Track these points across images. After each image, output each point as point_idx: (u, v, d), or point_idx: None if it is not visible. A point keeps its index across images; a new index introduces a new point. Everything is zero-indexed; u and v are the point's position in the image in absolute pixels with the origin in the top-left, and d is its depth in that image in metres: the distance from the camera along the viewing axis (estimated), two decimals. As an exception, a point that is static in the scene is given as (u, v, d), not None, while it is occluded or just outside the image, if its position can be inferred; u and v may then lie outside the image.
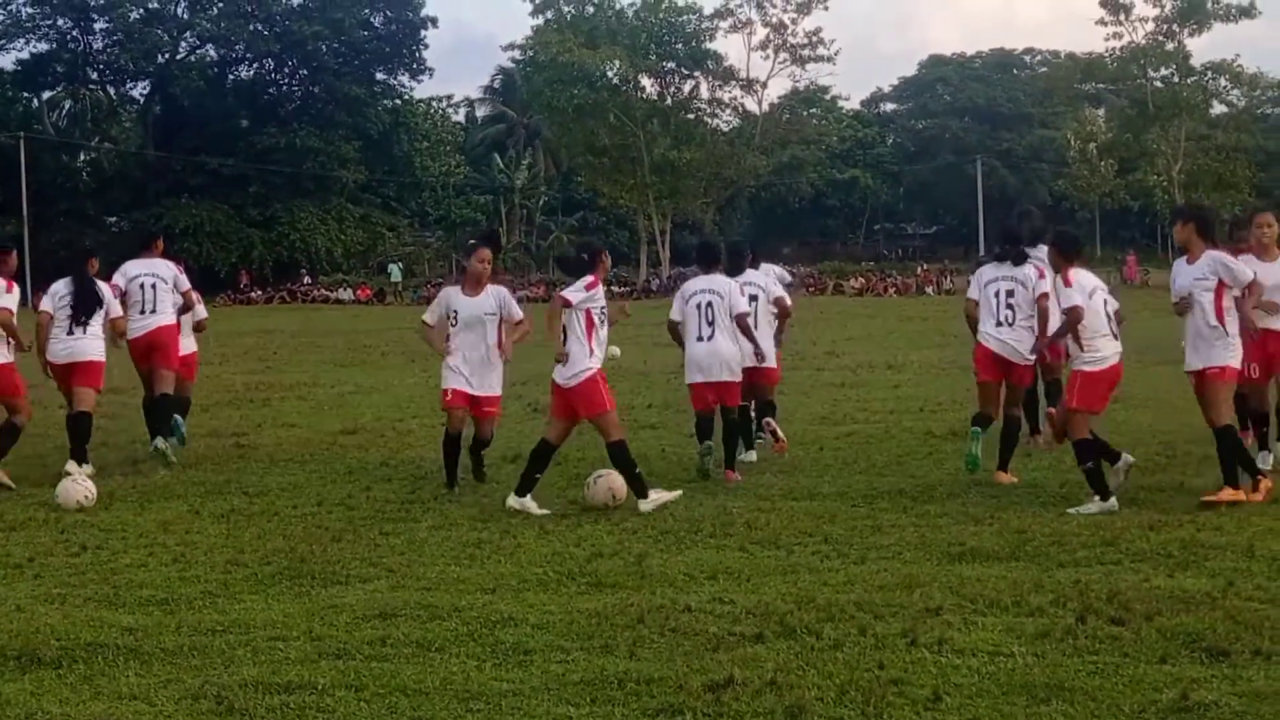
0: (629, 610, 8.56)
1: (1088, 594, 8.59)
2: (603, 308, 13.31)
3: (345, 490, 13.69)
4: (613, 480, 12.35)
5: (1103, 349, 12.14)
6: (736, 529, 11.13)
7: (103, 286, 15.55)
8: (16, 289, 14.63)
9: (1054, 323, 13.12)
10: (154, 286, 16.16)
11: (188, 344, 17.26)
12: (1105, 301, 12.29)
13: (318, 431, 18.56)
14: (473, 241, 15.17)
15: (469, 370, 13.76)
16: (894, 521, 11.30)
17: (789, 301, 15.86)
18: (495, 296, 14.03)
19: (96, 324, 15.27)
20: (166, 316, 16.16)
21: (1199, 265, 12.24)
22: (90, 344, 15.15)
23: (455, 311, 13.73)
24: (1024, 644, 7.65)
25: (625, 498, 12.25)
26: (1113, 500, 11.65)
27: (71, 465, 14.28)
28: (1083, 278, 12.34)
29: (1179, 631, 7.76)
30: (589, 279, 13.15)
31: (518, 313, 14.31)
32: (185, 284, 16.54)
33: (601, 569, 9.83)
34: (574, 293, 13.01)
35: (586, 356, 12.97)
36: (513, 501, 12.17)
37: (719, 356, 13.97)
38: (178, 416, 16.61)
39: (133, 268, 16.29)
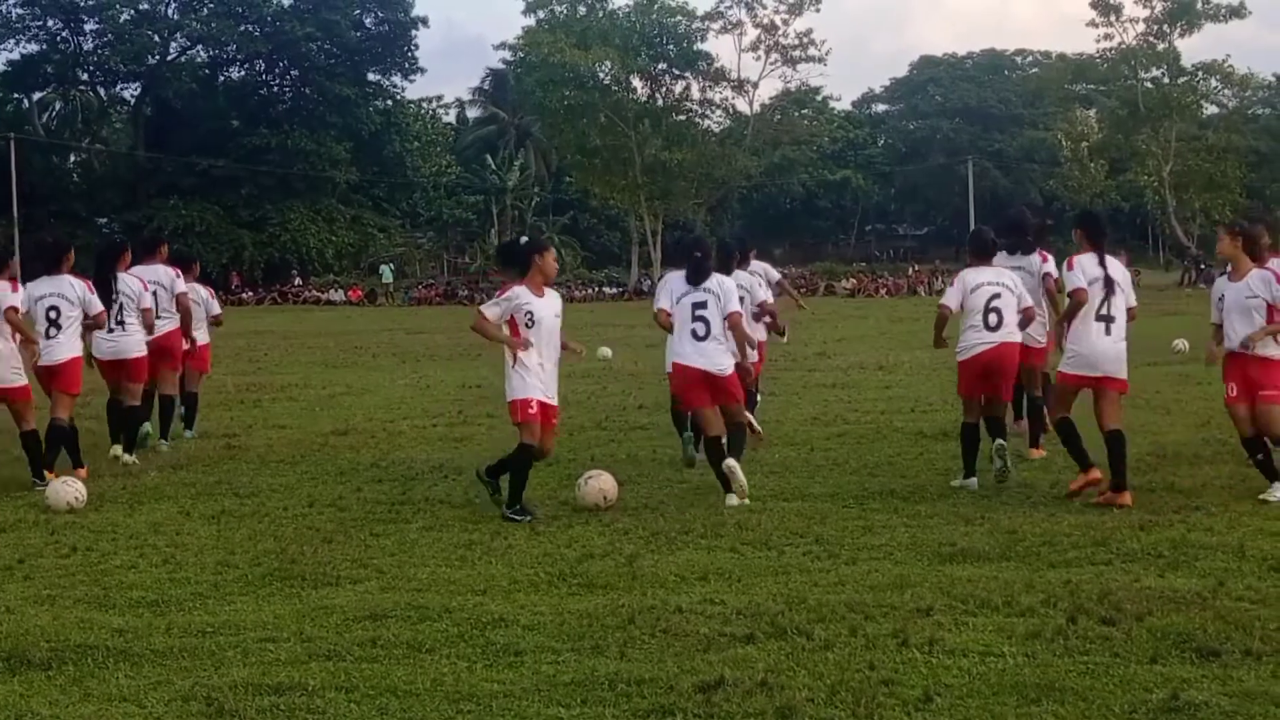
0: (620, 611, 8.56)
1: (1078, 594, 8.61)
2: (530, 314, 12.41)
3: (336, 491, 13.67)
4: (603, 481, 12.35)
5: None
6: (728, 530, 11.11)
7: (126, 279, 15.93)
8: (21, 289, 14.63)
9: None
10: (154, 295, 16.35)
11: (201, 335, 18.17)
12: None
13: (309, 433, 18.54)
14: (546, 236, 14.84)
15: (545, 379, 12.63)
16: (885, 522, 11.32)
17: (771, 301, 15.88)
18: (558, 299, 13.25)
19: (132, 319, 15.75)
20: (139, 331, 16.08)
21: (1247, 283, 12.17)
22: (130, 340, 15.71)
23: (531, 313, 12.46)
24: (1015, 644, 7.66)
25: (617, 499, 12.26)
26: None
27: (117, 449, 15.44)
28: (1086, 264, 12.24)
29: (1169, 631, 7.78)
30: (504, 285, 12.84)
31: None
32: (148, 301, 16.15)
33: (592, 570, 9.83)
34: (489, 307, 12.68)
35: (510, 377, 12.48)
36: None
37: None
38: (146, 425, 16.65)
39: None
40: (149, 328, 16.04)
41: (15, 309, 14.16)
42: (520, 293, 12.40)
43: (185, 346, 17.45)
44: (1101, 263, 12.36)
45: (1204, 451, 14.34)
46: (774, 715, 6.64)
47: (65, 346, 14.84)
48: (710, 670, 7.26)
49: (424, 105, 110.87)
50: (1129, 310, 12.52)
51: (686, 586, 9.28)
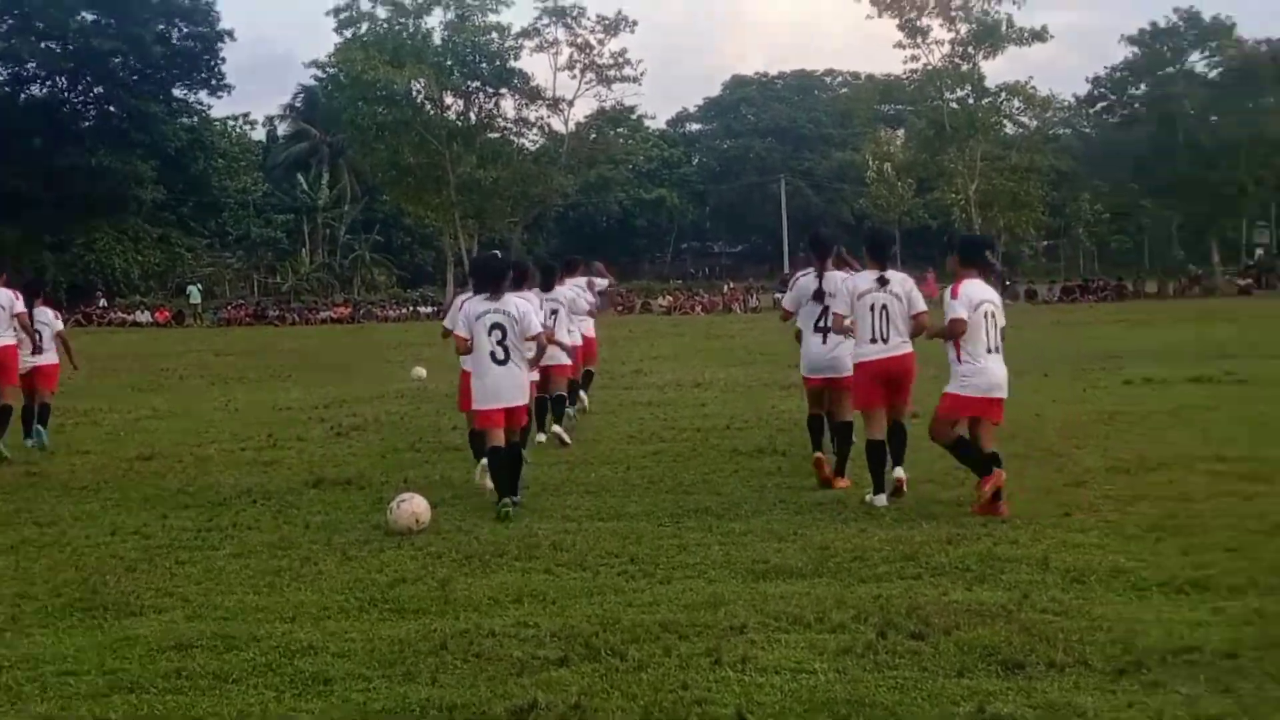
0: (432, 636, 8.49)
1: (888, 609, 8.71)
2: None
3: (141, 519, 13.26)
4: (416, 505, 12.21)
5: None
6: (542, 551, 11.04)
7: None
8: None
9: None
10: None
11: (50, 356, 19.53)
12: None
13: (113, 458, 18.06)
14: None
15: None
16: (700, 540, 11.30)
17: (590, 308, 16.40)
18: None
19: None
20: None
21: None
22: None
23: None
24: (826, 660, 7.74)
25: (430, 522, 12.14)
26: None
27: None
28: (971, 289, 12.59)
29: (976, 645, 7.91)
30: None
31: None
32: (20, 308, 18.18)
33: (404, 595, 9.72)
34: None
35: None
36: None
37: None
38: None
39: None
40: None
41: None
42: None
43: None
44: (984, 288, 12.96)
45: (1010, 465, 14.59)
46: (587, 738, 6.65)
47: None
48: (523, 694, 7.23)
49: (230, 123, 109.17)
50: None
51: (500, 610, 9.20)
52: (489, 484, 13.58)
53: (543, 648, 8.15)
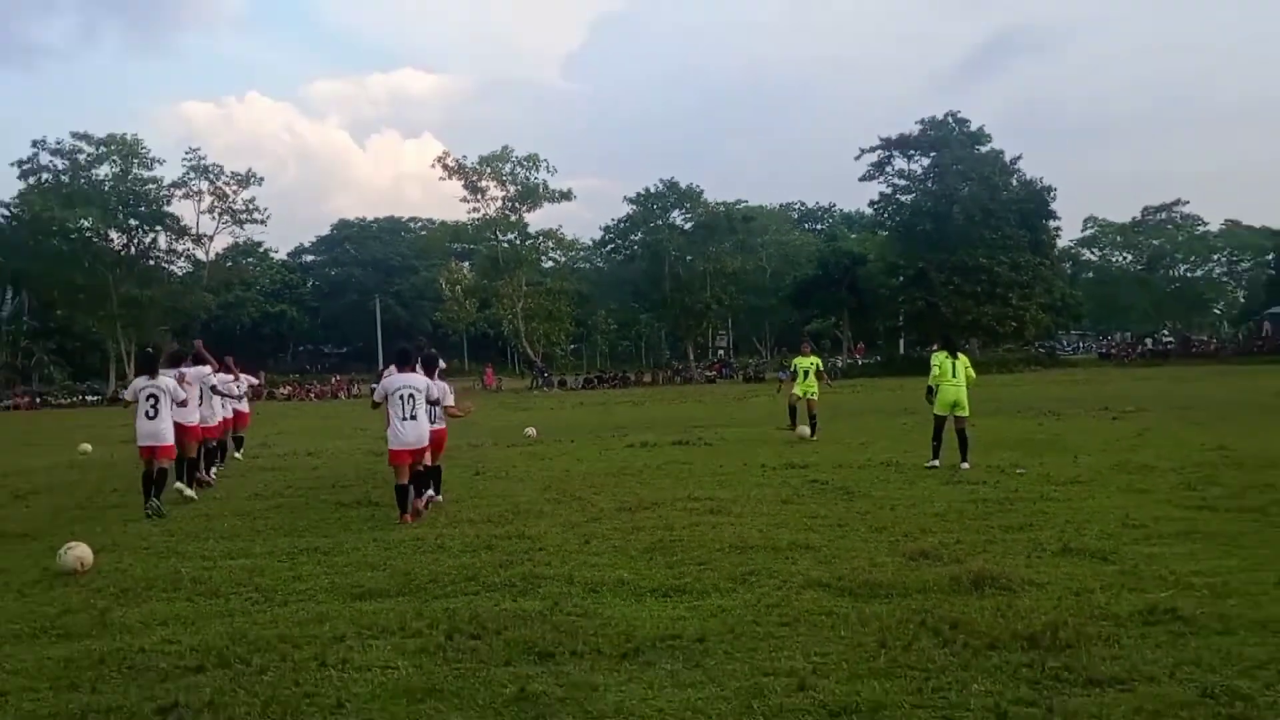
0: (92, 654, 8.05)
1: (455, 617, 8.68)
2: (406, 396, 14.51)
3: None
4: (81, 551, 11.49)
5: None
6: (184, 584, 10.53)
7: None
8: None
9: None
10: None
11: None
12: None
13: None
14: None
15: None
16: (310, 571, 10.99)
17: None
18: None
19: None
20: None
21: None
22: None
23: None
24: (407, 659, 7.67)
25: (93, 565, 11.41)
26: None
27: None
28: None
29: (519, 641, 7.98)
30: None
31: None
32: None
33: (70, 622, 9.13)
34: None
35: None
36: None
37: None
38: None
39: None
40: None
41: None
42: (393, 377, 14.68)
43: None
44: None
45: (546, 507, 14.74)
46: (218, 728, 6.39)
47: None
48: (167, 696, 6.97)
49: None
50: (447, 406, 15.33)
51: (149, 631, 8.75)
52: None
53: (184, 659, 7.85)
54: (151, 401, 15.81)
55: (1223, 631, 7.72)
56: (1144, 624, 7.95)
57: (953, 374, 18.39)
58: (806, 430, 24.24)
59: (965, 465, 17.60)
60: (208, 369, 19.87)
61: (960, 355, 18.77)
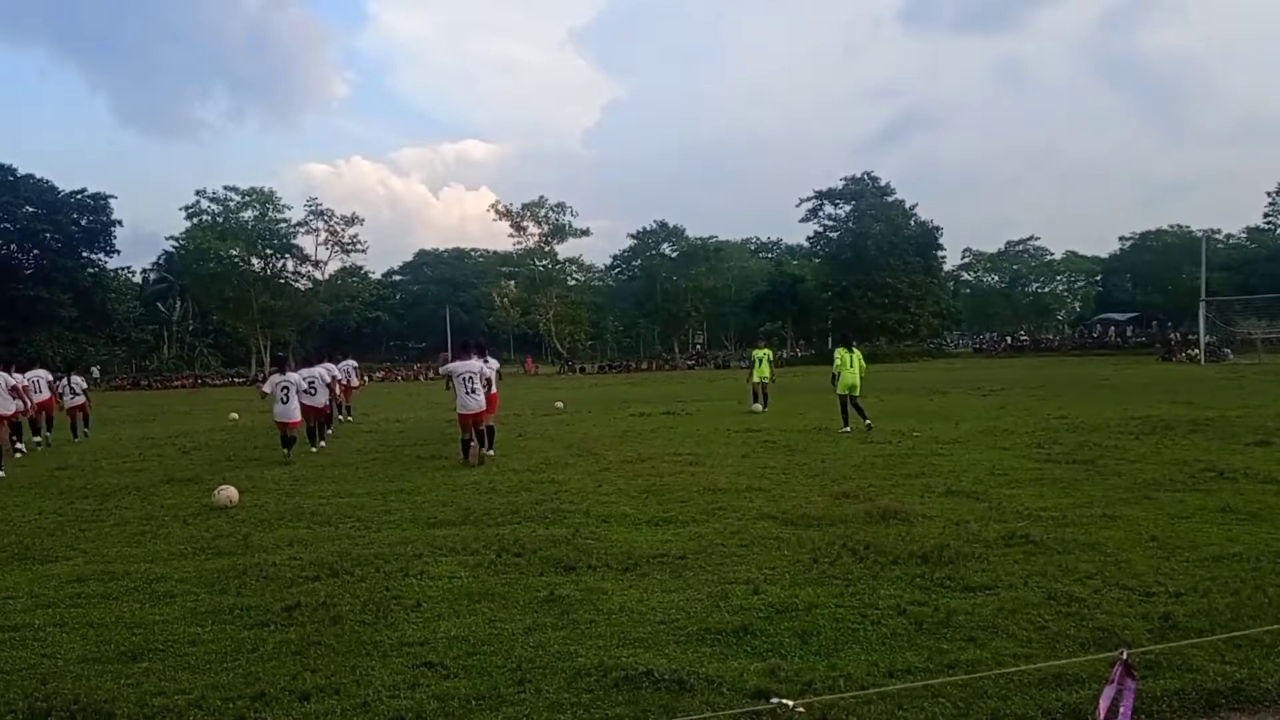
0: (237, 567, 8.04)
1: (503, 540, 8.66)
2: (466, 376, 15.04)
3: (56, 504, 12.00)
4: (230, 491, 11.51)
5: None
6: (305, 516, 10.50)
7: None
8: None
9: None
10: None
11: None
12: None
13: (40, 469, 16.29)
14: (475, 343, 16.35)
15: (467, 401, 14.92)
16: (397, 506, 10.89)
17: (498, 376, 16.92)
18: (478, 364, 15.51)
19: None
20: None
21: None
22: None
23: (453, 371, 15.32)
24: (468, 571, 7.65)
25: (238, 501, 11.38)
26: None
27: None
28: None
29: (549, 558, 7.95)
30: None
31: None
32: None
33: (221, 544, 9.12)
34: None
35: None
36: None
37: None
38: None
39: None
40: None
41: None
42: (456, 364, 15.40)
43: None
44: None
45: (567, 459, 14.64)
46: (329, 622, 6.37)
47: None
48: (292, 598, 6.94)
49: (120, 272, 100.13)
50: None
51: (279, 551, 8.73)
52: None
53: (305, 571, 7.82)
54: (284, 391, 16.60)
55: (1063, 551, 7.71)
56: (1005, 546, 7.94)
57: (850, 365, 18.44)
58: (759, 406, 24.20)
59: (868, 423, 17.69)
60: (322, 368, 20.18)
61: (854, 350, 18.76)
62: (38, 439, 20.74)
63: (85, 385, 23.47)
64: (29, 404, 19.15)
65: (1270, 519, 8.71)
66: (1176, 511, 9.18)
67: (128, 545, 9.29)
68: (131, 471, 15.53)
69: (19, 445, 19.22)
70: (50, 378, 22.45)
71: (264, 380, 18.43)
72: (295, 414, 16.71)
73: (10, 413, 17.84)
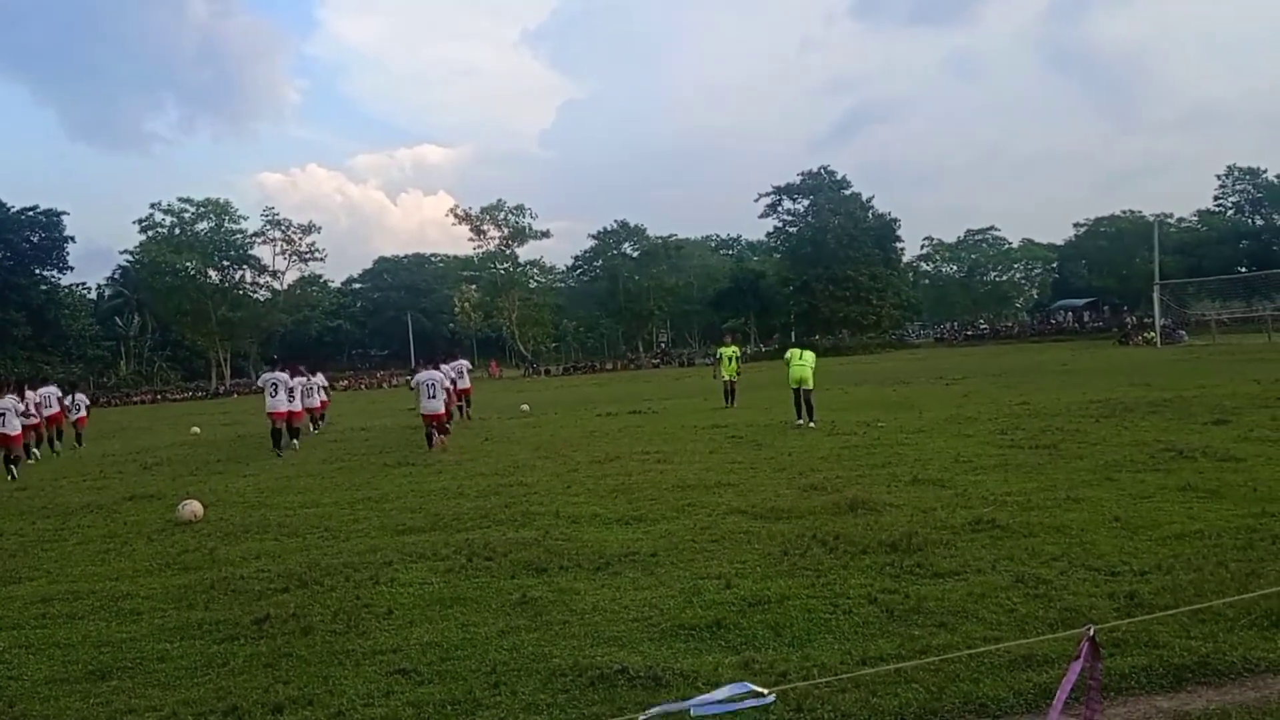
0: (204, 581, 7.94)
1: (473, 545, 8.62)
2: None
3: (17, 525, 11.78)
4: (194, 506, 11.36)
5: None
6: (272, 528, 10.37)
7: None
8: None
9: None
10: None
11: None
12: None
13: (-4, 491, 16.03)
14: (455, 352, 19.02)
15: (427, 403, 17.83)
16: (366, 515, 10.84)
17: (466, 383, 20.90)
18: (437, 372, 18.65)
19: None
20: None
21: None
22: None
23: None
24: (438, 577, 7.62)
25: (202, 516, 11.24)
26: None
27: None
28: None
29: (520, 561, 7.94)
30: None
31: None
32: None
33: (187, 559, 9.00)
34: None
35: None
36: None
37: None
38: None
39: None
40: None
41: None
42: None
43: None
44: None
45: (537, 463, 14.59)
46: (299, 632, 6.31)
47: None
48: (261, 610, 6.86)
49: (74, 288, 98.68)
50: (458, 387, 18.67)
51: (246, 563, 8.64)
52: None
53: (273, 583, 7.74)
54: (273, 387, 19.07)
55: (1028, 535, 7.81)
56: (972, 531, 8.03)
57: (800, 359, 18.88)
58: (726, 403, 24.28)
59: (812, 424, 17.71)
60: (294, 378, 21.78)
61: (805, 349, 19.55)
62: (37, 451, 21.84)
63: (88, 401, 26.44)
64: (40, 419, 21.42)
65: (1229, 496, 8.88)
66: (1138, 492, 9.33)
67: (92, 564, 9.15)
68: (93, 489, 15.27)
69: (35, 451, 21.18)
70: (60, 394, 24.41)
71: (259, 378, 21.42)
72: (283, 407, 19.33)
73: (17, 433, 19.07)
